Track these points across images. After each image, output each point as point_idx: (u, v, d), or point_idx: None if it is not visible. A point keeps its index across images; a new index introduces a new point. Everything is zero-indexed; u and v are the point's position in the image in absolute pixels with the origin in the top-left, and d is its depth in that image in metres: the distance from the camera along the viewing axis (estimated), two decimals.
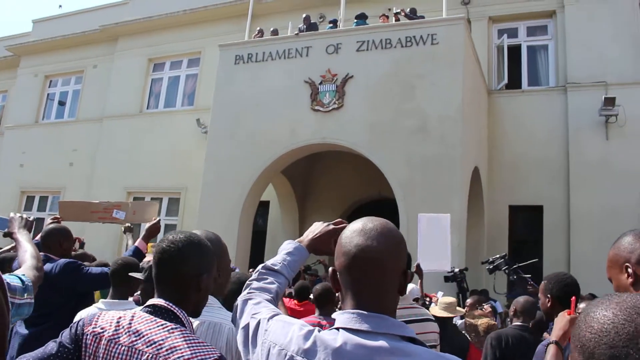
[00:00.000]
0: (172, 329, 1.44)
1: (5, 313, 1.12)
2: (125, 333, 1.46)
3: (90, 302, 3.58)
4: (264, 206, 12.16)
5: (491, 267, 7.60)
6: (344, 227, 1.63)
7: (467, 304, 6.34)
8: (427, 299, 5.90)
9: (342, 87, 9.23)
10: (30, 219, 2.55)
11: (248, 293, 1.53)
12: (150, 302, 1.55)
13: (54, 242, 3.65)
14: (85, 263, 4.06)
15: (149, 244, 3.98)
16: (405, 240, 1.31)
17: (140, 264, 3.37)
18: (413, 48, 9.01)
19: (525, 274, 7.40)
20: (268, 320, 1.35)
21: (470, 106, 9.01)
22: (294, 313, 5.38)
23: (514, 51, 11.80)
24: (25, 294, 1.75)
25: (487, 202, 10.65)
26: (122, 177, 13.64)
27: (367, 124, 8.99)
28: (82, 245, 6.19)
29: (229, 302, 1.86)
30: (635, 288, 1.57)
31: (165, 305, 1.51)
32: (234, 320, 1.52)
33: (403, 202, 8.42)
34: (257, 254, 10.50)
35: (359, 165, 10.46)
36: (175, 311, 1.51)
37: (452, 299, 5.03)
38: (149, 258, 4.03)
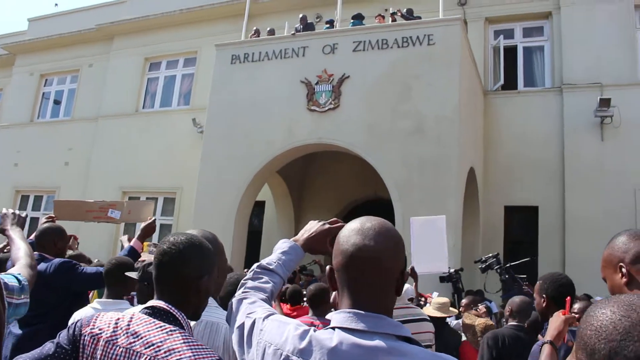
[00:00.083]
0: (170, 331, 1.43)
1: (1, 313, 1.11)
2: (124, 334, 1.45)
3: (85, 302, 3.57)
4: (259, 206, 12.15)
5: (483, 266, 7.64)
6: (339, 227, 1.63)
7: (462, 305, 6.35)
8: (422, 299, 5.91)
9: (339, 87, 9.23)
10: (23, 215, 2.47)
11: (243, 292, 1.51)
12: (149, 303, 1.54)
13: (48, 242, 3.63)
14: (81, 263, 4.04)
15: (145, 244, 3.97)
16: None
17: (136, 264, 3.36)
18: (409, 48, 9.01)
19: (518, 274, 7.43)
20: (263, 319, 1.34)
21: (466, 107, 9.03)
22: None
23: (510, 52, 11.84)
24: (22, 294, 1.74)
25: (483, 203, 10.67)
26: (118, 176, 13.61)
27: (364, 124, 8.99)
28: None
29: (226, 303, 1.86)
30: (629, 288, 1.57)
31: (165, 307, 1.50)
32: (229, 320, 1.50)
33: (399, 202, 8.42)
34: (252, 254, 10.50)
35: (354, 165, 10.47)
36: (174, 313, 1.50)
37: (445, 299, 5.05)
38: (144, 257, 4.02)
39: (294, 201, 12.68)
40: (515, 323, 3.64)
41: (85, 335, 1.48)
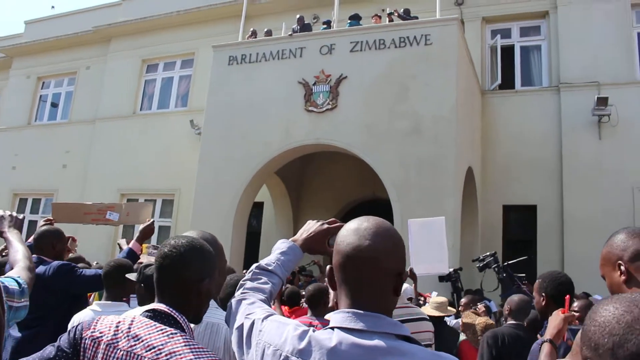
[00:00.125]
0: (172, 334, 1.43)
1: (0, 316, 1.11)
2: (124, 337, 1.44)
3: (84, 304, 3.57)
4: (258, 207, 12.14)
5: (481, 265, 7.65)
6: (337, 227, 1.64)
7: (462, 304, 6.35)
8: (422, 298, 5.91)
9: (336, 87, 9.24)
10: (20, 217, 2.45)
11: (242, 293, 1.51)
12: (150, 306, 1.54)
13: (46, 244, 3.62)
14: (79, 265, 4.03)
15: (143, 246, 3.96)
16: None
17: (134, 266, 3.35)
18: (407, 49, 9.02)
19: (516, 273, 7.44)
20: (262, 320, 1.34)
21: (464, 106, 9.04)
22: None
23: (507, 51, 11.85)
24: (22, 297, 1.74)
25: (481, 202, 10.68)
26: (116, 178, 13.59)
27: (361, 124, 8.99)
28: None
29: (226, 304, 1.85)
30: (627, 285, 1.57)
31: (166, 310, 1.50)
32: (228, 321, 1.50)
33: (397, 202, 8.43)
34: (251, 255, 10.49)
35: (353, 165, 10.47)
36: (175, 316, 1.50)
37: (443, 299, 5.06)
38: (143, 259, 4.01)
39: (293, 202, 12.68)
40: (514, 322, 3.64)
41: (86, 339, 1.48)
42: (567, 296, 2.40)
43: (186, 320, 1.52)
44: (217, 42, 10.96)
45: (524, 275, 7.77)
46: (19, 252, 2.08)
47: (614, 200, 9.87)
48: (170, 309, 1.50)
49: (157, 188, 13.30)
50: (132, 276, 2.90)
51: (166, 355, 1.36)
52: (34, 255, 3.31)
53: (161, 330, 1.44)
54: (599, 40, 10.85)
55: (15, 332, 3.33)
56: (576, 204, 10.19)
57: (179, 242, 1.56)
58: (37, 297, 2.39)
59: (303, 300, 5.44)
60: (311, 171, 12.75)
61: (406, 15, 9.88)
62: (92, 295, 4.74)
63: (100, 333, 1.48)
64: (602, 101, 10.06)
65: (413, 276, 5.32)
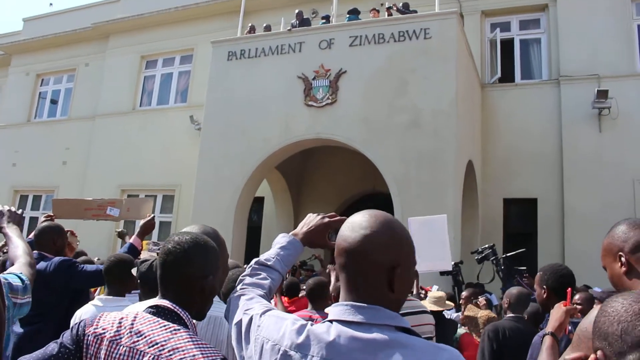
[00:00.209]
0: (175, 329, 1.42)
1: (1, 311, 1.10)
2: (127, 334, 1.44)
3: (85, 300, 3.56)
4: (258, 202, 12.15)
5: (480, 257, 7.67)
6: (338, 220, 1.64)
7: (463, 297, 6.36)
8: (423, 292, 5.92)
9: (336, 82, 9.22)
10: (19, 212, 2.42)
11: (241, 289, 1.51)
12: (153, 302, 1.53)
13: (47, 240, 3.61)
14: (81, 260, 4.03)
15: (144, 242, 3.97)
16: None
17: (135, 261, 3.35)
18: (406, 43, 9.00)
19: (516, 265, 7.46)
20: (260, 315, 1.34)
21: (463, 100, 9.02)
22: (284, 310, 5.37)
23: (507, 45, 11.82)
24: (26, 294, 1.74)
25: (482, 196, 10.68)
26: (116, 175, 13.59)
27: (361, 119, 8.98)
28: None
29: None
30: (628, 277, 1.57)
31: (169, 306, 1.50)
32: (227, 316, 1.50)
33: (398, 197, 8.43)
34: (252, 250, 10.50)
35: (353, 160, 10.47)
36: (178, 312, 1.49)
37: (441, 293, 5.08)
38: (143, 255, 4.02)
39: (293, 196, 12.68)
40: (513, 314, 3.65)
41: (88, 335, 1.48)
42: (569, 289, 2.40)
43: (189, 316, 1.51)
44: (216, 38, 10.94)
45: (525, 268, 7.78)
46: (19, 247, 2.07)
47: (615, 193, 9.87)
48: (174, 305, 1.50)
49: (158, 184, 13.30)
50: (133, 272, 2.91)
51: (169, 351, 1.36)
52: (35, 252, 3.32)
53: (164, 326, 1.44)
54: (599, 32, 10.82)
55: (17, 328, 3.33)
56: (577, 197, 10.19)
57: (183, 239, 1.55)
58: (39, 293, 2.39)
59: (302, 292, 5.46)
60: (311, 166, 12.75)
61: (405, 9, 9.86)
62: (98, 290, 4.74)
63: (103, 329, 1.48)
64: (602, 94, 10.04)
65: (414, 273, 5.30)
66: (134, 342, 1.42)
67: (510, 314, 3.68)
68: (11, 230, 2.24)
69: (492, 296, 7.06)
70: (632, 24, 10.88)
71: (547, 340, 2.21)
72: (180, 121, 13.19)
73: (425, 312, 3.69)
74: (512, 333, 3.47)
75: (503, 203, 10.96)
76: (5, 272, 1.79)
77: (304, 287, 4.63)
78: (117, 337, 1.44)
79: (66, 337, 1.50)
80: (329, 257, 10.18)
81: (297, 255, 1.66)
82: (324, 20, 10.61)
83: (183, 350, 1.35)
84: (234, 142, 9.74)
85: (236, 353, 1.37)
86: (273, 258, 1.60)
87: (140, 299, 2.58)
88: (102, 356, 1.43)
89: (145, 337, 1.42)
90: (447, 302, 5.07)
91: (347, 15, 10.16)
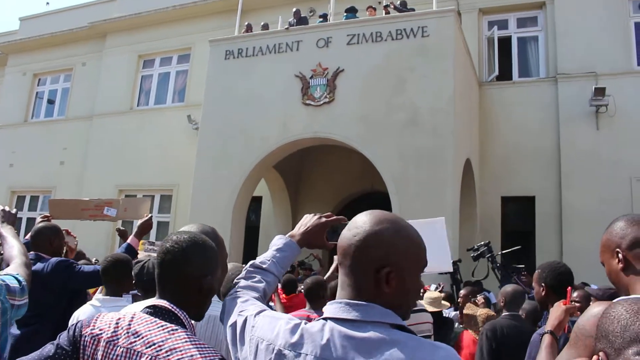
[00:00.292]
0: (172, 330, 1.42)
1: None
2: (124, 334, 1.43)
3: (83, 300, 3.55)
4: (256, 201, 12.14)
5: (475, 254, 7.67)
6: (334, 220, 1.64)
7: (461, 295, 6.36)
8: (422, 290, 5.92)
9: (333, 80, 9.21)
10: (13, 211, 2.39)
11: (235, 291, 1.51)
12: (151, 302, 1.52)
13: (44, 241, 3.59)
14: (80, 261, 4.02)
15: (141, 241, 3.95)
16: None
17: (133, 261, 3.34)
18: (403, 41, 8.99)
19: (515, 263, 7.47)
20: (255, 316, 1.34)
21: (461, 98, 9.02)
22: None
23: (505, 43, 11.82)
24: (23, 295, 1.72)
25: (480, 194, 10.69)
26: (114, 175, 13.57)
27: (359, 117, 8.98)
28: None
29: None
30: (625, 273, 1.57)
31: (167, 306, 1.49)
32: (222, 319, 1.50)
33: (396, 195, 8.42)
34: (250, 249, 10.50)
35: (351, 159, 10.46)
36: (176, 312, 1.48)
37: (437, 294, 5.09)
38: (140, 255, 4.01)
39: (291, 196, 12.67)
40: (509, 313, 3.65)
41: (85, 336, 1.47)
42: (569, 288, 2.40)
43: (187, 316, 1.50)
44: (213, 37, 10.92)
45: (523, 266, 7.79)
46: (14, 248, 2.04)
47: (612, 191, 9.89)
48: (171, 305, 1.49)
49: (155, 183, 13.29)
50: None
51: (167, 351, 1.35)
52: (31, 253, 3.31)
53: (162, 326, 1.43)
54: (596, 30, 10.83)
55: (14, 330, 3.32)
56: (574, 195, 10.20)
57: (181, 238, 1.54)
58: (36, 294, 2.37)
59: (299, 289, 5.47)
60: (309, 165, 12.74)
61: (402, 7, 9.85)
62: (99, 289, 4.73)
63: (100, 330, 1.47)
64: (600, 91, 10.06)
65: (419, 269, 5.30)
66: (131, 343, 1.41)
67: (506, 312, 3.68)
68: (6, 230, 2.21)
69: (491, 294, 7.06)
70: (629, 22, 10.89)
71: (547, 338, 2.20)
72: (177, 120, 13.16)
73: (423, 310, 3.69)
74: (510, 331, 3.48)
75: (501, 201, 10.97)
76: (1, 273, 1.78)
77: (302, 287, 4.64)
78: (114, 338, 1.44)
79: (63, 338, 1.49)
80: (327, 256, 10.18)
81: (293, 257, 1.65)
82: (321, 19, 10.60)
83: (181, 351, 1.34)
84: (232, 142, 9.73)
85: (232, 355, 1.37)
86: (268, 260, 1.60)
87: (135, 300, 2.58)
88: (99, 357, 1.43)
89: (142, 337, 1.41)
90: (443, 302, 5.08)
91: (345, 14, 10.15)
